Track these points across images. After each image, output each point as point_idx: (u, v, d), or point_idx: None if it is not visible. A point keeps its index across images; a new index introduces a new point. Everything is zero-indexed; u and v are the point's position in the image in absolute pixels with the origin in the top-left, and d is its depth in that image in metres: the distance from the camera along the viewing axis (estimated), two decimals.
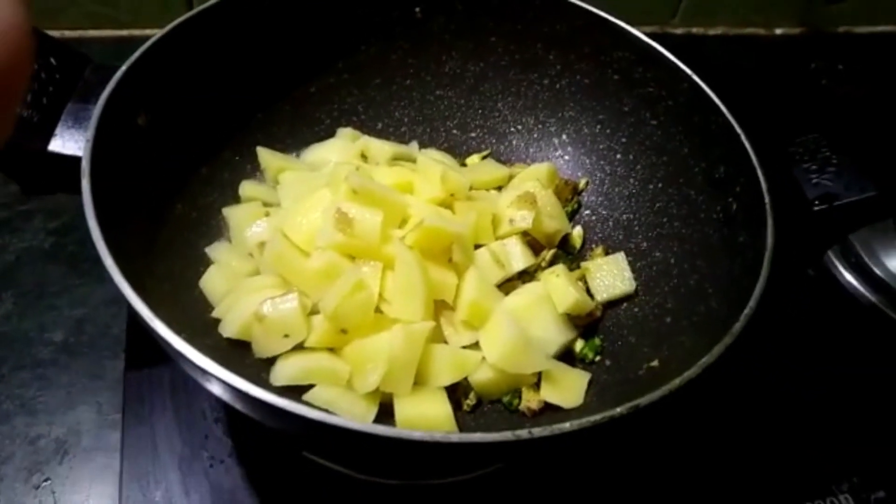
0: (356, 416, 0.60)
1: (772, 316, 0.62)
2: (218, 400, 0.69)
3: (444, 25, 0.86)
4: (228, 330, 0.65)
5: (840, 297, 0.84)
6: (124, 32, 1.11)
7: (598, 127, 0.84)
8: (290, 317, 0.63)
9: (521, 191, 0.78)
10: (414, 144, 0.88)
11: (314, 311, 0.65)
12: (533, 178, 0.81)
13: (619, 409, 0.46)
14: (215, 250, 0.73)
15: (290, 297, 0.63)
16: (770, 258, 0.57)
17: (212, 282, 0.70)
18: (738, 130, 0.68)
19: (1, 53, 0.19)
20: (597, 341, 0.72)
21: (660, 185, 0.78)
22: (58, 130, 0.60)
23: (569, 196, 0.83)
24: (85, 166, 0.54)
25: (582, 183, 0.84)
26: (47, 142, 0.60)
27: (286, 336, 0.63)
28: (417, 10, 0.84)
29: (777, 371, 0.81)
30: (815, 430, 0.77)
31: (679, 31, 1.33)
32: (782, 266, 0.59)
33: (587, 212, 0.84)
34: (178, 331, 0.47)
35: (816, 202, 0.69)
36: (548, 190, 0.80)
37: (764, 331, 0.55)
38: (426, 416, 0.60)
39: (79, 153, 0.56)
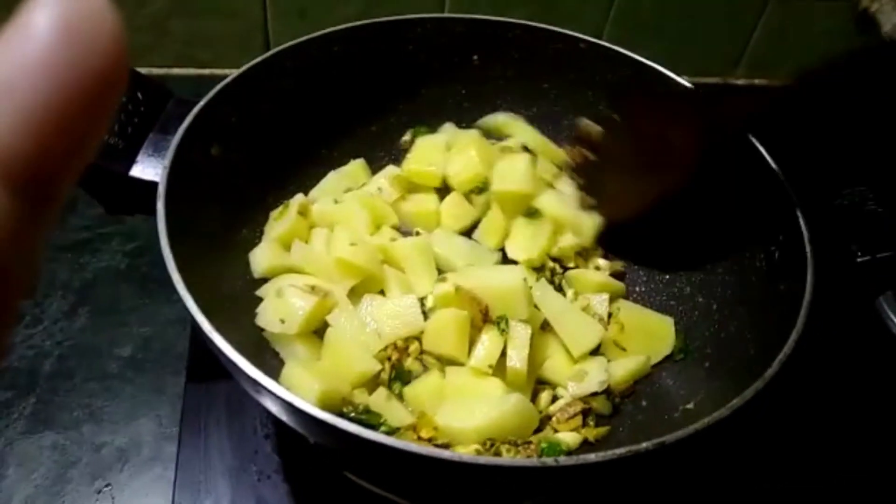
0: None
1: (818, 362, 0.62)
2: (269, 417, 0.72)
3: (500, 72, 0.90)
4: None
5: (889, 343, 0.83)
6: (206, 71, 1.19)
7: None
8: (296, 310, 0.68)
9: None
10: None
11: None
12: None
13: (644, 445, 0.47)
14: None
15: (309, 298, 0.68)
16: (808, 307, 0.58)
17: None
18: (782, 178, 0.69)
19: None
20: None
21: None
22: (139, 157, 0.66)
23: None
24: (161, 190, 0.59)
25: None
26: (129, 167, 0.65)
27: (282, 321, 0.67)
28: (475, 57, 0.89)
29: (822, 418, 0.80)
30: (855, 478, 0.76)
31: (741, 81, 1.33)
32: (827, 314, 0.59)
33: None
34: (238, 348, 0.51)
35: (860, 253, 0.69)
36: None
37: (810, 377, 0.55)
38: None
39: (156, 179, 0.61)
